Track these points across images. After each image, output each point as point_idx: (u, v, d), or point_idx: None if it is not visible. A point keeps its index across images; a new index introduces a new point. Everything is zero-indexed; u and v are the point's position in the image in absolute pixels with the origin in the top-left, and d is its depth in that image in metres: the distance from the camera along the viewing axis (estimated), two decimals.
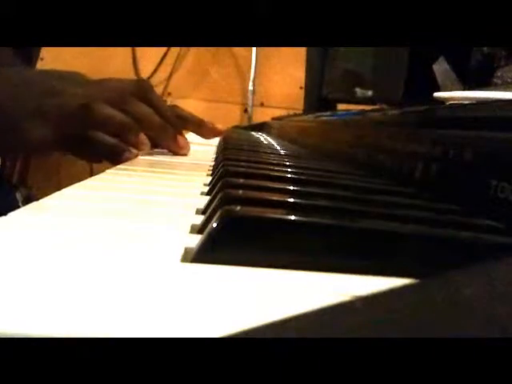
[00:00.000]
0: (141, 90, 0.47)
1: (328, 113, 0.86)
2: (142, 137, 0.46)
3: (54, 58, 1.29)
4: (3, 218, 0.17)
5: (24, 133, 0.43)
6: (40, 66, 1.30)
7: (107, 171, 0.33)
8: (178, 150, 0.50)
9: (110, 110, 0.44)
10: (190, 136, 0.58)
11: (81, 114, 0.43)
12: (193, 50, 1.55)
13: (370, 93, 0.94)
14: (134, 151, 0.45)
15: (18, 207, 0.19)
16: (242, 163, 0.34)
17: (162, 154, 0.50)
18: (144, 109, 0.46)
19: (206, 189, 0.28)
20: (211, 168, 0.40)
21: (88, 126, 0.44)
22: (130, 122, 0.45)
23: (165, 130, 0.48)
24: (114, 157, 0.46)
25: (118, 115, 0.44)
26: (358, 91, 0.96)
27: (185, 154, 0.50)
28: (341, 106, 1.12)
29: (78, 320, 0.10)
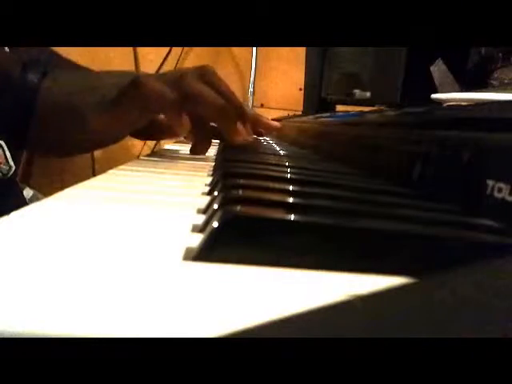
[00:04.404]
0: (202, 72, 0.46)
1: (327, 114, 0.86)
2: (185, 119, 0.45)
3: None
4: (6, 217, 0.17)
5: (96, 126, 0.44)
6: None
7: (109, 171, 0.33)
8: (234, 136, 0.47)
9: (159, 86, 0.43)
10: None
11: (132, 91, 0.43)
12: (194, 51, 1.55)
13: (368, 94, 0.94)
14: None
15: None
16: (242, 164, 0.34)
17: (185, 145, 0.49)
18: (202, 87, 0.45)
19: (207, 189, 0.28)
20: (212, 168, 0.40)
21: (139, 103, 0.43)
22: (175, 100, 0.43)
23: (224, 112, 0.45)
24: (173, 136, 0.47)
25: (166, 91, 0.43)
26: (357, 93, 0.96)
27: (239, 142, 0.47)
28: (340, 108, 1.12)
29: (80, 319, 0.10)
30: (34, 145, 0.46)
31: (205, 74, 0.46)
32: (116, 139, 0.47)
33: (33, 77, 0.43)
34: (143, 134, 0.55)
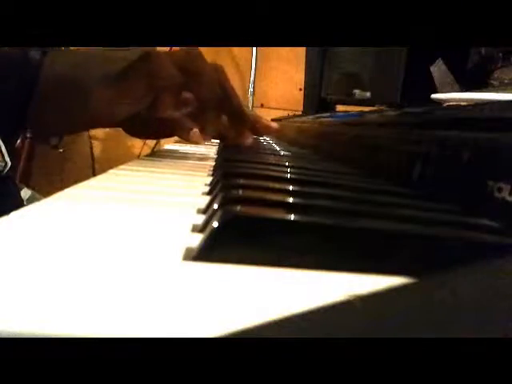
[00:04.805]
0: (213, 63, 0.46)
1: (327, 114, 0.86)
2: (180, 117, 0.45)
3: None
4: (5, 217, 0.17)
5: (96, 102, 0.43)
6: None
7: (109, 171, 0.33)
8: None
9: (169, 65, 0.42)
10: None
11: (141, 65, 0.42)
12: None
13: (368, 94, 0.94)
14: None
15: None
16: (242, 164, 0.34)
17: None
18: (208, 70, 0.44)
19: (207, 189, 0.28)
20: (212, 168, 0.40)
21: (147, 78, 0.42)
22: (179, 83, 0.43)
23: (216, 103, 0.45)
24: (176, 133, 0.47)
25: (174, 71, 0.42)
26: (357, 93, 0.96)
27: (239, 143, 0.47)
28: (340, 108, 1.13)
29: (80, 319, 0.10)
30: (36, 124, 0.46)
31: (215, 65, 0.46)
32: (118, 117, 0.46)
33: (34, 53, 0.43)
34: (143, 133, 0.55)
